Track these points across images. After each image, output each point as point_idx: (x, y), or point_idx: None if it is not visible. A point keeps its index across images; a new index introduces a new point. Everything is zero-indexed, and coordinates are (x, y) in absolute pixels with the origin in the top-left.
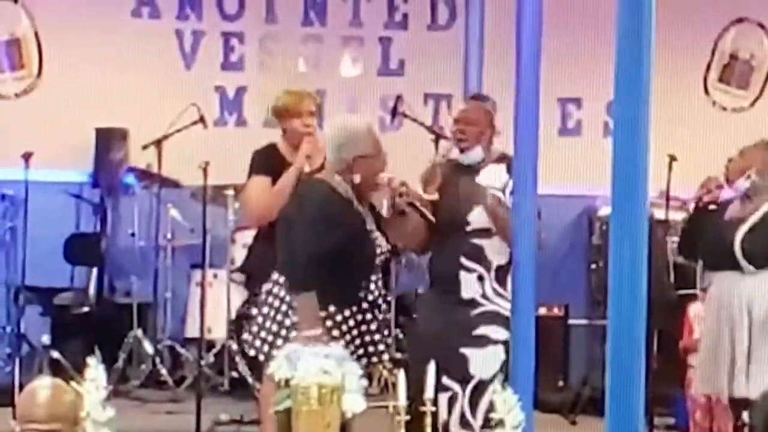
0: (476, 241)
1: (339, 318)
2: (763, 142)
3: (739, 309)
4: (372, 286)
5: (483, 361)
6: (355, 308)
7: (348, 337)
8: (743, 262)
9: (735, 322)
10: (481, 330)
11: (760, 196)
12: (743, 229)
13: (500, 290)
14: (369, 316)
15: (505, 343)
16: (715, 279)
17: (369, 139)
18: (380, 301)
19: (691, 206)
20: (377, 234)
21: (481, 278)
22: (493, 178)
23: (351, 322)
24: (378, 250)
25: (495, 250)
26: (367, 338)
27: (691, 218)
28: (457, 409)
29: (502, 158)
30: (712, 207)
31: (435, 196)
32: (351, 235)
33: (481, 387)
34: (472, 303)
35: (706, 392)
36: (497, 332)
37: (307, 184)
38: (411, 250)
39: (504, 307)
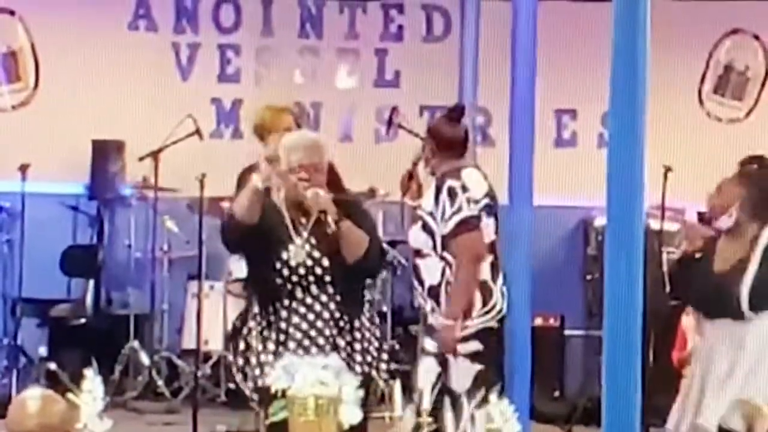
0: (416, 260)
1: (264, 322)
2: (738, 175)
3: (726, 357)
4: (286, 301)
5: (421, 374)
6: (271, 324)
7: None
8: (747, 312)
9: (717, 368)
10: (423, 342)
11: (744, 234)
12: (747, 280)
13: (436, 308)
14: (291, 330)
15: (436, 355)
16: (705, 328)
17: (288, 154)
18: (312, 317)
19: (678, 257)
20: (297, 249)
21: (422, 295)
22: (426, 200)
23: (273, 325)
24: (283, 267)
25: (427, 270)
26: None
27: (678, 266)
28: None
29: (440, 176)
30: (698, 255)
31: (416, 203)
32: (256, 243)
33: (421, 399)
34: (425, 317)
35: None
36: (429, 343)
37: None
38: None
39: (438, 321)
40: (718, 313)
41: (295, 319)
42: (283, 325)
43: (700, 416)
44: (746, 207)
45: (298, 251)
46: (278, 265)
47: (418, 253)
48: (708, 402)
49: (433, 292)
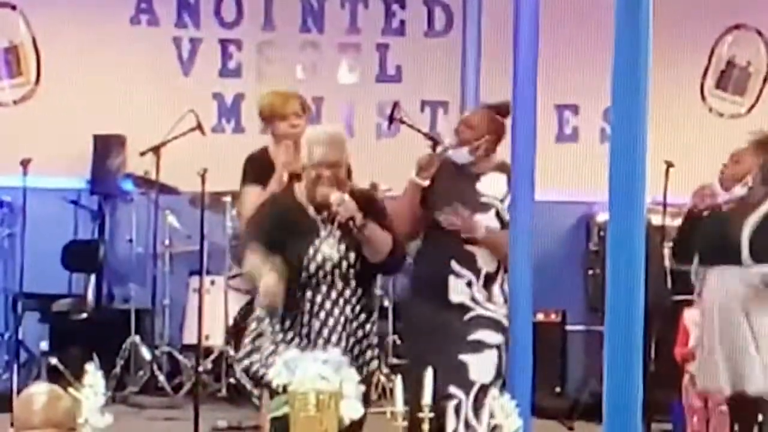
0: (469, 247)
1: (277, 328)
2: (753, 145)
3: (735, 309)
4: (309, 295)
5: (481, 366)
6: (294, 318)
7: (295, 341)
8: (746, 258)
9: (732, 322)
10: (477, 335)
11: (754, 197)
12: (750, 223)
13: (488, 294)
14: (316, 324)
15: (499, 347)
16: (709, 276)
17: (310, 148)
18: (336, 312)
19: (685, 213)
20: (324, 243)
21: (469, 284)
22: (494, 187)
23: (286, 328)
24: (311, 262)
25: (485, 258)
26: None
27: (685, 222)
28: (462, 416)
29: (503, 167)
30: (705, 213)
31: (426, 183)
32: (278, 242)
33: (482, 392)
34: (462, 307)
35: (707, 390)
36: (491, 336)
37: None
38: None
39: (494, 311)
40: (720, 257)
41: (322, 315)
42: (306, 318)
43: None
44: (762, 174)
45: (327, 245)
46: (304, 261)
47: (473, 240)
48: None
49: (489, 279)
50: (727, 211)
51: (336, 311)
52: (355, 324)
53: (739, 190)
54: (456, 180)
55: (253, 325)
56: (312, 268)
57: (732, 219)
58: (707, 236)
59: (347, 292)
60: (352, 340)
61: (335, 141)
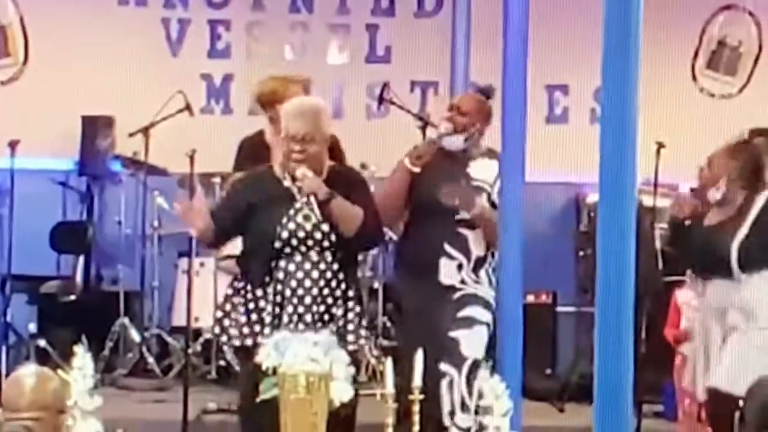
0: (462, 230)
1: (250, 296)
2: (727, 149)
3: (726, 319)
4: (283, 263)
5: (473, 342)
6: (266, 287)
7: (267, 308)
8: (736, 271)
9: (714, 330)
10: (466, 311)
11: (732, 202)
12: (738, 238)
13: (475, 278)
14: (287, 292)
15: (488, 324)
16: (708, 289)
17: (285, 121)
18: (308, 283)
19: (668, 225)
20: (300, 213)
21: (460, 266)
22: (485, 172)
23: (259, 296)
24: (283, 229)
25: (476, 242)
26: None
27: (671, 235)
28: (457, 393)
29: (491, 153)
30: (687, 222)
31: (418, 170)
32: (250, 213)
33: (475, 367)
34: (452, 288)
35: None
36: (480, 313)
37: None
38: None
39: (482, 290)
40: (711, 271)
41: (293, 284)
42: (279, 287)
43: (709, 379)
44: (734, 178)
45: (302, 215)
46: (278, 229)
47: (465, 223)
48: (713, 367)
49: (479, 263)
50: (715, 225)
51: (307, 282)
52: (329, 300)
53: (713, 194)
54: (446, 165)
55: (229, 291)
56: (284, 235)
57: (720, 233)
58: (697, 251)
59: (322, 265)
60: (324, 316)
61: (311, 114)
